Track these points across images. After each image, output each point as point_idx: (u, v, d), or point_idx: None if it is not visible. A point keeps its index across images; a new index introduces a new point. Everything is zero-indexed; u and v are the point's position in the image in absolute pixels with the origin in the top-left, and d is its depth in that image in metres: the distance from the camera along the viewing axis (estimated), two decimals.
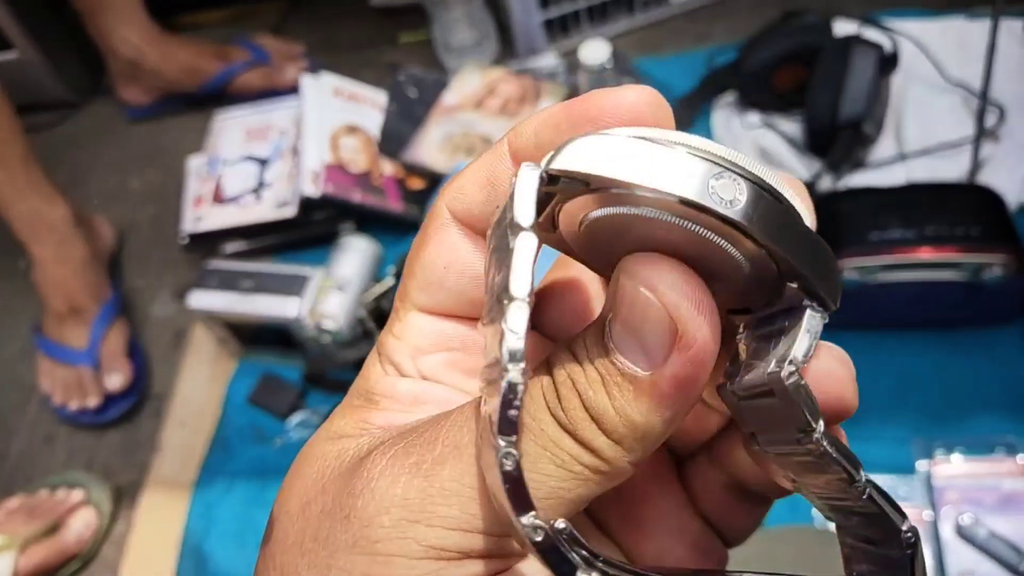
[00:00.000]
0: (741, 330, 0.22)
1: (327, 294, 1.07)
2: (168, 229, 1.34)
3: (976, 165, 1.03)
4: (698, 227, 0.18)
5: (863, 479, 0.20)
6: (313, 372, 1.09)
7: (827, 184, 1.05)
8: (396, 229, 1.22)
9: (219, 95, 1.46)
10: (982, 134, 1.03)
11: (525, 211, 0.18)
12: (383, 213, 1.21)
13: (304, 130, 1.23)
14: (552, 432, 0.20)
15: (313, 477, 0.22)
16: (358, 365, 1.14)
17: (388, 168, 1.25)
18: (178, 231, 1.27)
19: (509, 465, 0.17)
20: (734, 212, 0.17)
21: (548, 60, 1.38)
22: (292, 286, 1.08)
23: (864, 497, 0.20)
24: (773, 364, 0.19)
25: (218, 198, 1.26)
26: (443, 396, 0.24)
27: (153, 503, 1.11)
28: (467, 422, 0.20)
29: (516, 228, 0.18)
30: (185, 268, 1.29)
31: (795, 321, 0.20)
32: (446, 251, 0.23)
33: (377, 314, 1.08)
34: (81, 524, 1.06)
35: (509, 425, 0.17)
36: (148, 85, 1.48)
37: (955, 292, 0.93)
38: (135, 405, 1.20)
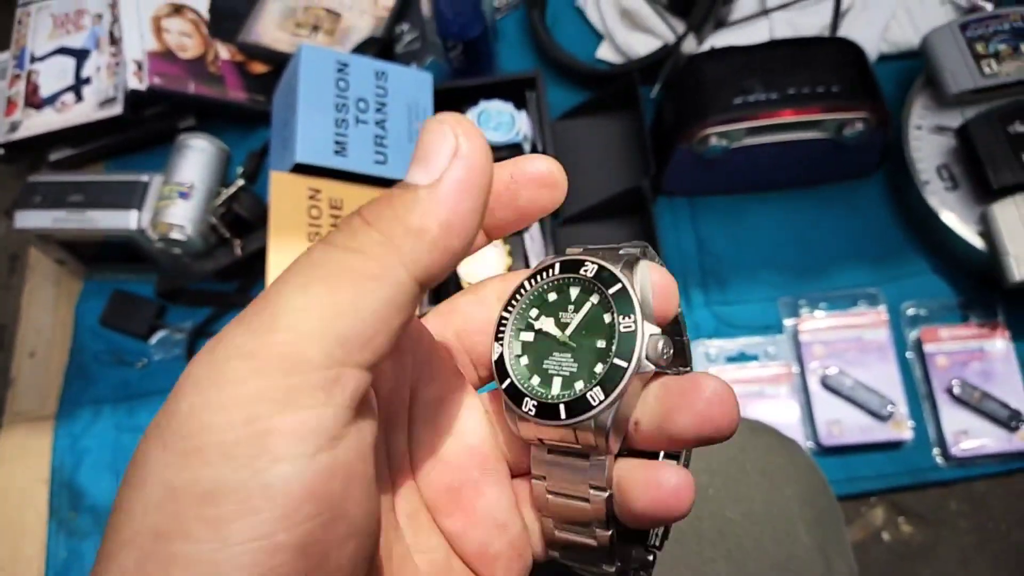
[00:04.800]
0: None
1: (170, 202, 0.97)
2: None
3: (837, 17, 1.01)
4: None
5: None
6: (167, 287, 1.01)
7: (691, 45, 1.00)
8: (241, 122, 1.12)
9: None
10: None
11: None
12: (224, 104, 1.10)
13: (121, 12, 1.08)
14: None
15: None
16: (218, 275, 1.05)
17: (224, 51, 1.12)
18: None
19: None
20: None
21: None
22: (128, 196, 0.98)
23: None
24: None
25: (33, 101, 1.11)
26: None
27: (14, 441, 1.04)
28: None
29: None
30: (9, 183, 1.16)
31: None
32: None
33: (230, 219, 1.00)
34: None
35: None
36: None
37: (818, 150, 0.93)
38: None
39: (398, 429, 0.27)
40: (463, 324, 0.29)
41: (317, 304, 0.20)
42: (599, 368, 0.25)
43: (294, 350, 0.20)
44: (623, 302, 0.25)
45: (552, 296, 0.27)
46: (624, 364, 0.24)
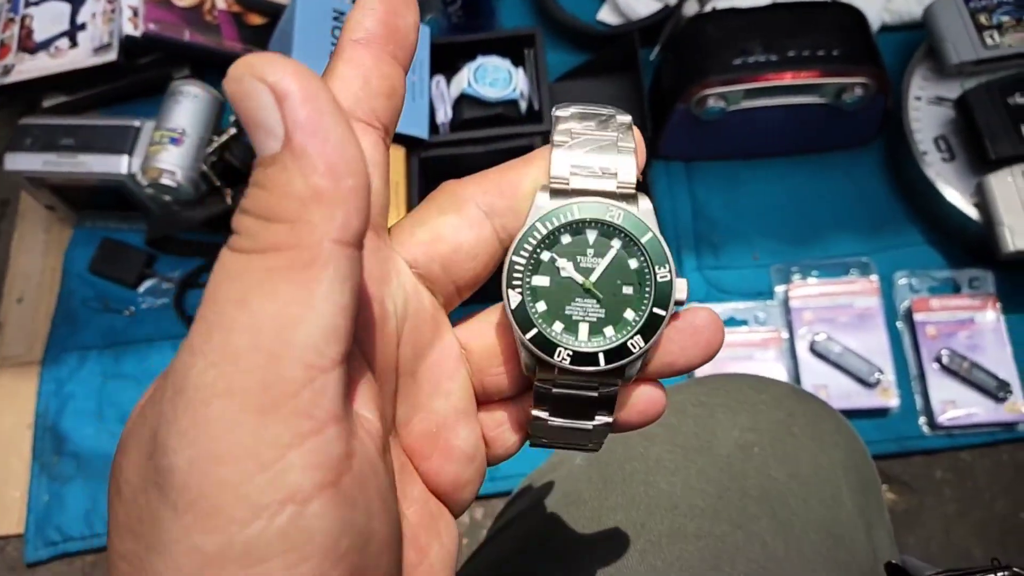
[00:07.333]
0: None
1: (161, 148, 0.96)
2: None
3: None
4: None
5: None
6: (157, 235, 1.00)
7: (692, 7, 1.00)
8: None
9: None
10: None
11: None
12: (220, 54, 1.08)
13: None
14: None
15: None
16: (207, 226, 1.04)
17: (221, 1, 1.11)
18: None
19: None
20: None
21: None
22: (119, 140, 0.97)
23: None
24: None
25: (26, 45, 1.10)
26: None
27: (1, 385, 1.03)
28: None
29: None
30: (1, 127, 1.15)
31: None
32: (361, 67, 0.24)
33: (221, 168, 0.99)
34: None
35: None
36: None
37: (817, 115, 0.92)
38: None
39: (390, 397, 0.26)
40: (451, 252, 0.27)
41: (267, 317, 0.18)
42: (631, 315, 0.26)
43: (270, 375, 0.18)
44: (657, 252, 0.26)
45: (566, 238, 0.26)
46: (663, 312, 0.26)
